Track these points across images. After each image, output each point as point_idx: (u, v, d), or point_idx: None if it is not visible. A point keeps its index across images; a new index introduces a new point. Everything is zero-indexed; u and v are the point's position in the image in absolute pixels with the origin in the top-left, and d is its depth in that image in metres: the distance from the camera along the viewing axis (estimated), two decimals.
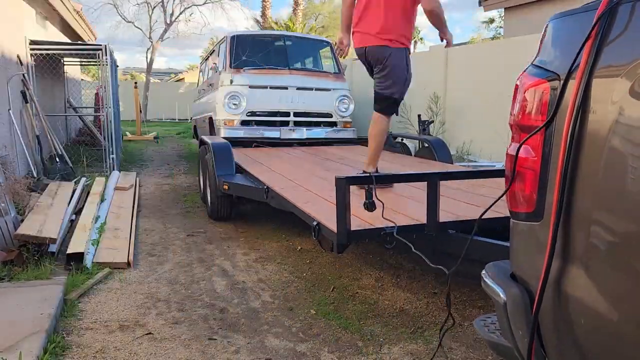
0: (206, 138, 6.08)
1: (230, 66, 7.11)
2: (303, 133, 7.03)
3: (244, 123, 6.93)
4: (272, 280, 3.67)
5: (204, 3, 23.48)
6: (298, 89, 7.10)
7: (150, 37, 23.47)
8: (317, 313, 3.11)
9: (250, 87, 6.94)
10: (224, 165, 5.13)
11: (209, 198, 5.45)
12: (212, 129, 7.55)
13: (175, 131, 17.21)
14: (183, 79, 33.15)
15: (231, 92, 6.88)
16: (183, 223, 5.31)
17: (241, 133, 6.83)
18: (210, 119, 7.60)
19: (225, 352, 2.64)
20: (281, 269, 3.90)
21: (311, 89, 7.19)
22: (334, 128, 7.32)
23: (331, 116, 7.30)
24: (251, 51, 7.34)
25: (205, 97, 8.56)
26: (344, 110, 7.35)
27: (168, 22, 22.86)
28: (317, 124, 7.27)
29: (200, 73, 10.62)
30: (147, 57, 23.47)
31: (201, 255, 4.26)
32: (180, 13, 23.42)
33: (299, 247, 4.44)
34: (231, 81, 6.96)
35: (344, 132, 7.39)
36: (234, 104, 6.87)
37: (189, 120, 22.07)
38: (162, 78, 38.97)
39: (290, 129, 7.01)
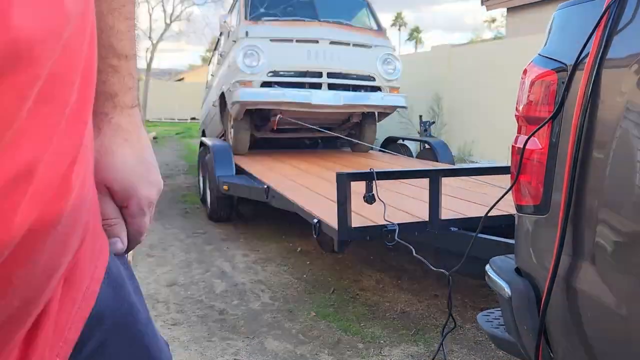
0: (206, 140, 6.05)
1: (246, 18, 5.67)
2: (340, 98, 5.46)
3: (265, 85, 5.45)
4: (272, 281, 3.64)
5: (204, 3, 23.52)
6: (331, 43, 5.59)
7: (150, 37, 23.52)
8: (317, 315, 3.08)
9: (272, 40, 5.49)
10: (223, 166, 5.10)
11: (208, 199, 5.43)
12: (223, 111, 6.25)
13: (175, 131, 17.21)
14: (183, 78, 33.21)
15: (247, 47, 5.37)
16: (182, 224, 5.28)
17: (262, 95, 5.33)
18: (222, 97, 6.10)
19: (224, 353, 2.61)
20: (281, 270, 3.87)
21: (348, 43, 5.67)
22: (379, 93, 5.77)
23: (374, 79, 5.75)
24: (271, 3, 5.95)
25: (214, 81, 7.25)
26: (390, 72, 5.79)
27: (168, 21, 22.91)
28: (357, 88, 5.73)
29: (210, 66, 9.02)
30: (146, 57, 23.54)
31: (200, 256, 4.23)
32: (181, 13, 23.48)
33: (299, 249, 4.41)
34: (247, 33, 5.49)
35: (392, 98, 5.81)
36: (252, 61, 5.36)
37: (189, 121, 22.12)
38: (161, 78, 39.03)
39: (324, 92, 5.48)
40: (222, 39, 6.97)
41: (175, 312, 3.13)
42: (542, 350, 1.31)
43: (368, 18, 6.30)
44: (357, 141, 6.23)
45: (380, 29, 6.19)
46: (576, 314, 1.22)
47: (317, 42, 5.55)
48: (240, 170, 5.16)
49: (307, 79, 5.53)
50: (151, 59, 23.32)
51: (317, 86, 5.54)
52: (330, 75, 5.56)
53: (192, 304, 3.25)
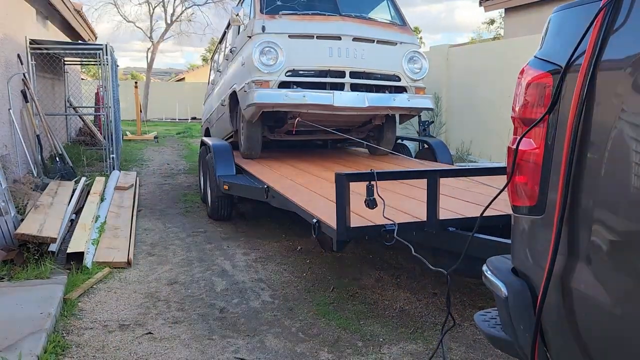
0: (207, 139, 6.04)
1: (261, 12, 5.21)
2: (364, 100, 5.08)
3: (283, 86, 5.03)
4: (272, 280, 3.66)
5: (205, 3, 23.49)
6: (354, 39, 5.17)
7: (150, 37, 23.52)
8: (317, 313, 3.10)
9: (290, 36, 5.08)
10: (224, 165, 5.11)
11: (209, 198, 5.44)
12: (234, 111, 5.86)
13: (175, 131, 17.18)
14: (184, 78, 33.16)
15: (264, 43, 4.97)
16: (183, 223, 5.30)
17: (281, 98, 4.89)
18: (233, 95, 5.67)
19: (224, 351, 2.64)
20: (281, 268, 3.90)
21: (372, 40, 5.26)
22: (404, 94, 5.38)
23: (399, 79, 5.39)
24: None
25: (221, 79, 6.79)
26: (416, 71, 5.46)
27: (169, 21, 22.90)
28: (380, 89, 5.35)
29: (214, 61, 8.47)
30: (147, 57, 23.54)
31: (201, 255, 4.25)
32: (181, 13, 23.46)
33: (299, 247, 4.43)
34: (263, 28, 5.05)
35: (418, 100, 5.43)
36: (269, 59, 4.97)
37: (189, 121, 22.09)
38: (162, 78, 38.99)
39: (346, 94, 5.08)
40: (231, 32, 6.59)
41: (176, 310, 3.15)
42: (538, 349, 1.32)
43: (390, 11, 5.87)
44: (375, 146, 6.02)
45: (404, 24, 5.74)
46: (572, 313, 1.23)
47: (339, 38, 5.15)
48: (240, 170, 5.18)
49: (328, 79, 5.14)
50: (152, 59, 23.31)
51: (339, 86, 5.15)
52: (352, 75, 5.18)
53: (193, 302, 3.27)
